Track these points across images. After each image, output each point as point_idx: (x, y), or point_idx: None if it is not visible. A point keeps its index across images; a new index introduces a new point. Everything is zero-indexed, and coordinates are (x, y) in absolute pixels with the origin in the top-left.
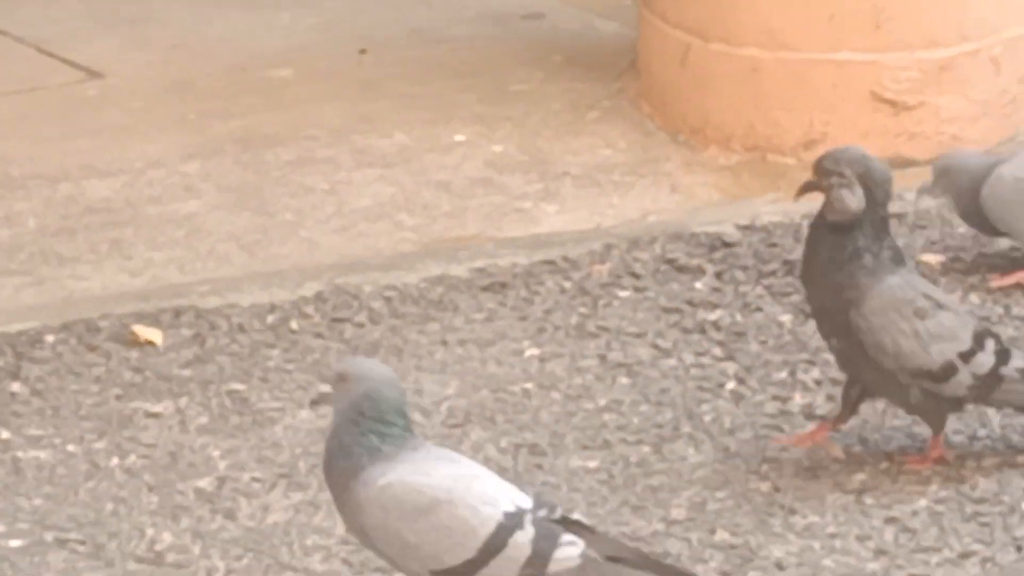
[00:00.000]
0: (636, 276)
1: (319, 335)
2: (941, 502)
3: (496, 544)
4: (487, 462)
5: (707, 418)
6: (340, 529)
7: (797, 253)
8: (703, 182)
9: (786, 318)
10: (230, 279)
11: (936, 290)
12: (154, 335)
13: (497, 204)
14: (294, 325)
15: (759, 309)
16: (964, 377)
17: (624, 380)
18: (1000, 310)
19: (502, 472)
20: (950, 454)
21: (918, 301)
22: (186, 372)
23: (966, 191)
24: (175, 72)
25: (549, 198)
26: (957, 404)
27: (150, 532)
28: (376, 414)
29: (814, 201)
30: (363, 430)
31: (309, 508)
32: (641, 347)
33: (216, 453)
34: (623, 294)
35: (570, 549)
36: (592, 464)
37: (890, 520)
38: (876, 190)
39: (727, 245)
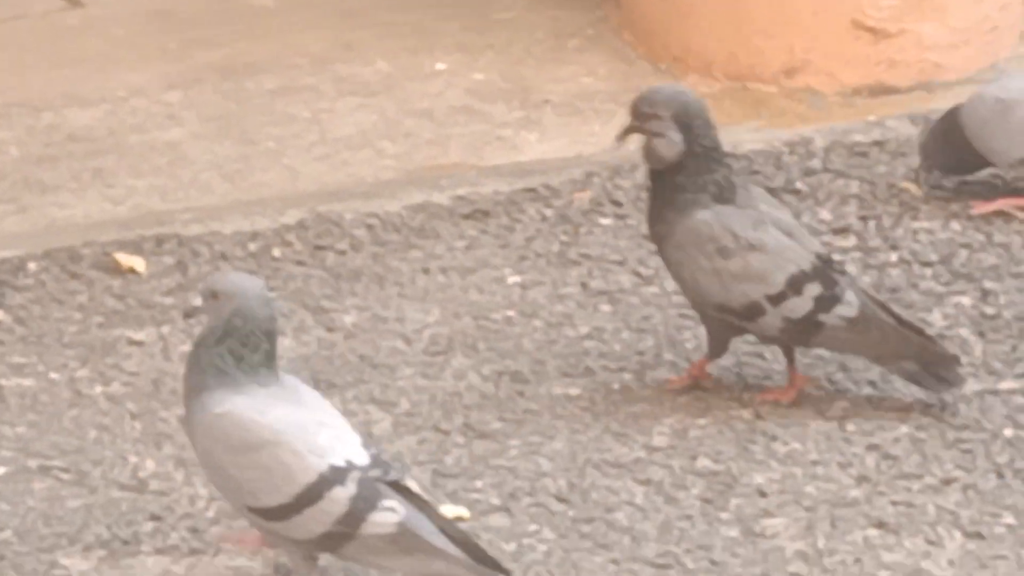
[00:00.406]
0: (617, 204)
1: (301, 263)
2: (923, 429)
3: (313, 495)
4: (469, 389)
5: (689, 345)
6: None
7: (778, 181)
8: None
9: None
10: (212, 207)
11: (767, 228)
12: (136, 263)
13: (479, 132)
14: (276, 253)
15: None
16: (773, 319)
17: (606, 308)
18: (982, 237)
19: (483, 400)
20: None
21: (723, 240)
22: (168, 300)
23: (937, 131)
24: (156, 1)
25: (531, 126)
26: (772, 342)
27: (133, 459)
28: (242, 334)
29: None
30: (222, 350)
31: None
32: (622, 274)
33: None
34: (604, 222)
35: (388, 515)
36: (574, 391)
37: (872, 447)
38: (694, 126)
39: None
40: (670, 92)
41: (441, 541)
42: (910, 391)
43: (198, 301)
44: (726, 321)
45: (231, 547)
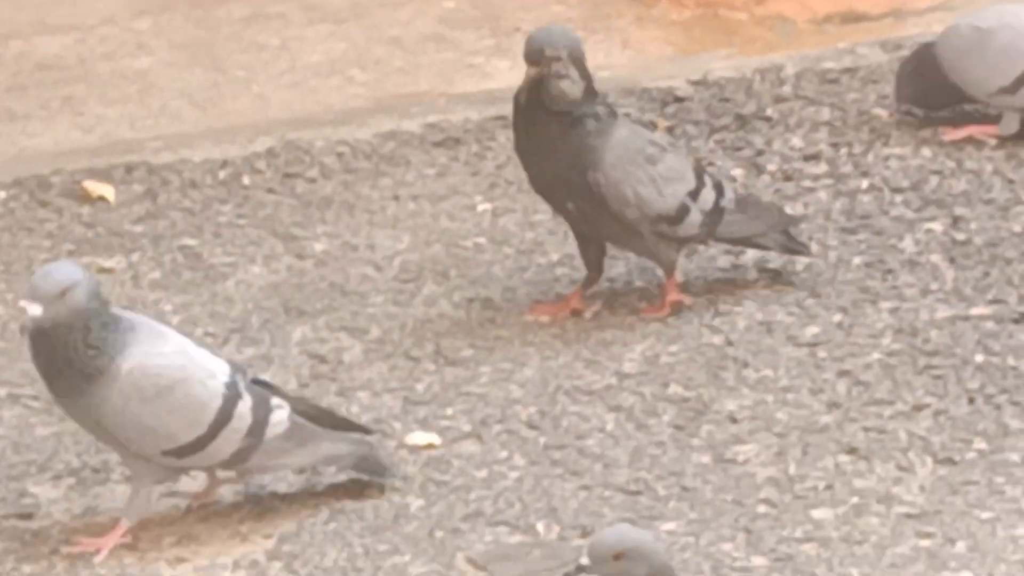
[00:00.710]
0: None
1: (271, 190)
2: (894, 355)
3: (224, 417)
4: (440, 316)
5: (660, 272)
6: (293, 383)
7: (749, 108)
8: (655, 37)
9: (738, 172)
10: (182, 135)
11: (654, 134)
12: (106, 191)
13: (449, 60)
14: (246, 180)
15: (711, 163)
16: (695, 216)
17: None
18: (952, 164)
19: (454, 327)
20: (687, 298)
21: (647, 148)
22: (138, 228)
23: (911, 66)
24: None
25: (501, 54)
26: (688, 243)
27: None
28: (101, 311)
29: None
30: (96, 334)
31: (262, 362)
32: None
33: (169, 308)
34: None
35: (280, 412)
36: (545, 318)
37: (843, 373)
38: (583, 60)
39: (679, 100)
40: (562, 33)
41: (313, 424)
42: (880, 317)
43: (36, 310)
44: (664, 234)
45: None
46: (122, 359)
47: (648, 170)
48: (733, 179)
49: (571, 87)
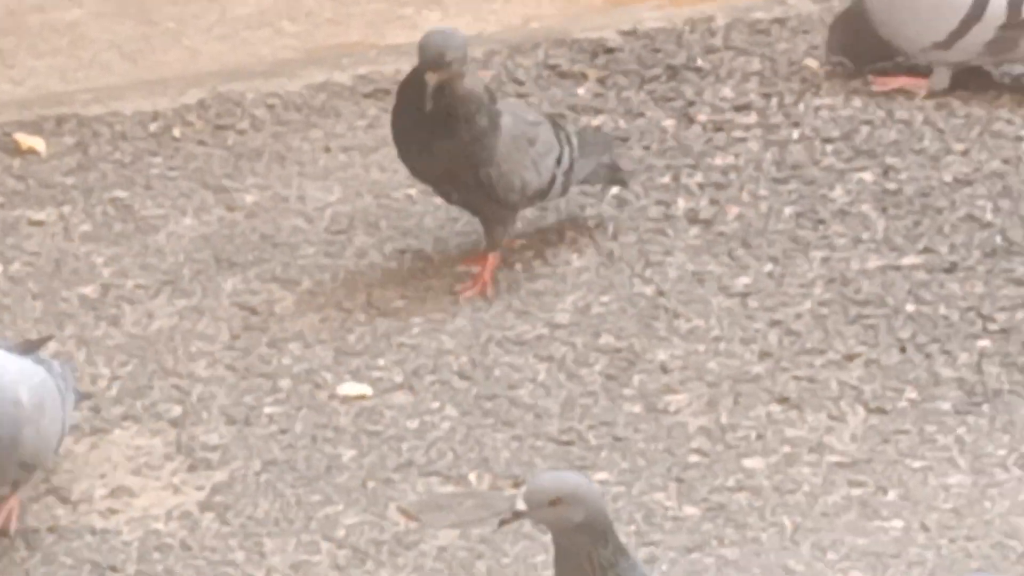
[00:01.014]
0: (519, 83)
1: (202, 142)
2: (825, 305)
3: None
4: (371, 267)
5: (591, 223)
6: (224, 335)
7: (680, 58)
8: None
9: (669, 123)
10: (113, 87)
11: (519, 104)
12: (36, 143)
13: (380, 10)
14: (177, 133)
15: (642, 114)
16: (559, 180)
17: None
18: (883, 114)
19: (385, 278)
20: (491, 290)
21: (528, 131)
22: (69, 180)
23: (842, 21)
24: None
25: (431, 5)
26: (549, 201)
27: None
28: None
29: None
30: None
31: (193, 314)
32: None
33: (100, 260)
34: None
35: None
36: (476, 268)
37: (774, 323)
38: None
39: (610, 51)
40: (453, 33)
41: None
42: (811, 267)
43: None
44: (519, 205)
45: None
46: None
47: (530, 152)
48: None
49: (472, 82)
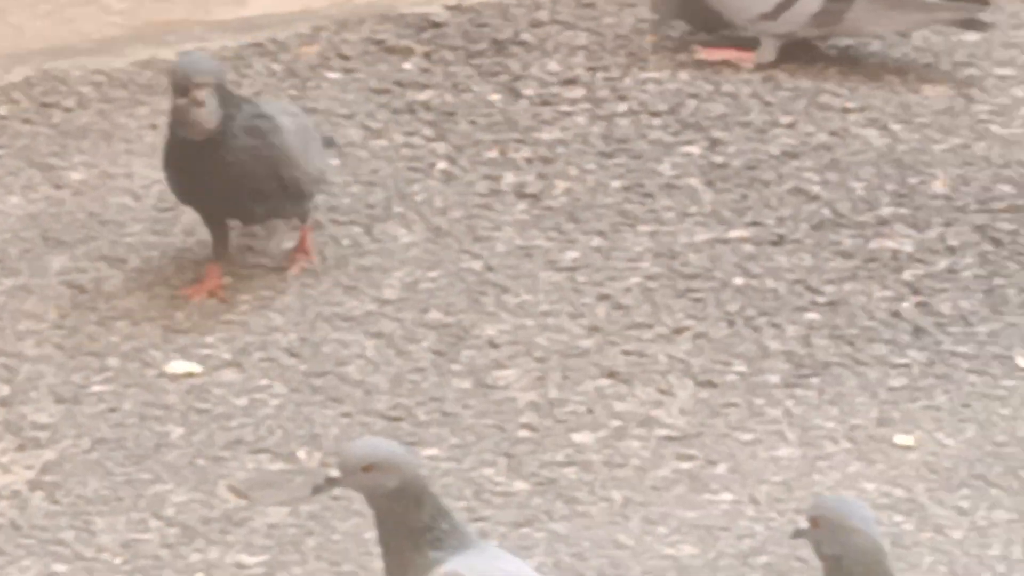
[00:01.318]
0: (345, 58)
1: (28, 120)
2: (653, 279)
3: None
4: (200, 245)
5: (418, 198)
6: (52, 314)
7: (506, 33)
8: None
9: (496, 97)
10: None
11: (278, 103)
12: None
13: None
14: (2, 111)
15: (468, 89)
16: (329, 164)
17: (334, 161)
18: (710, 87)
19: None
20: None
21: (304, 121)
22: None
23: None
24: None
25: None
26: None
27: None
28: None
29: None
30: None
31: (21, 293)
32: (351, 128)
33: None
34: (332, 76)
35: None
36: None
37: (603, 297)
38: (226, 89)
39: (436, 26)
40: (208, 60)
41: None
42: (639, 241)
43: None
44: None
45: None
46: None
47: (317, 142)
48: None
49: (206, 116)
